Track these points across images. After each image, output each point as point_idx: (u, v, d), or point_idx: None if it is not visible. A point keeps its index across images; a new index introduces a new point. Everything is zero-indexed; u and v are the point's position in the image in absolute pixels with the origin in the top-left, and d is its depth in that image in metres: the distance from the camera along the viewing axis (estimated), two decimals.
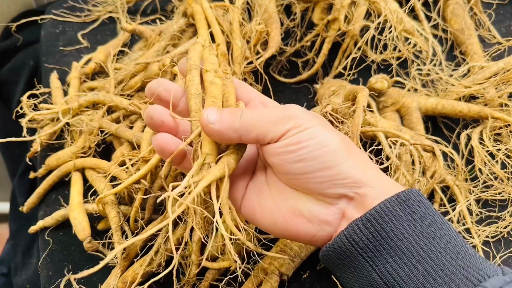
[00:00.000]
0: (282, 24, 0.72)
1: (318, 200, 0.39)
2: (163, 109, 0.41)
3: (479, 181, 0.58)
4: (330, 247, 0.38)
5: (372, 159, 0.49)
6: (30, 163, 0.62)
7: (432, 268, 0.35)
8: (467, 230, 0.55)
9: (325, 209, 0.38)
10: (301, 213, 0.39)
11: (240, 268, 0.50)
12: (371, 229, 0.36)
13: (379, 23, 0.65)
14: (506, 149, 0.60)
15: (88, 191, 0.57)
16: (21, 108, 0.63)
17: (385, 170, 0.52)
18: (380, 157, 0.53)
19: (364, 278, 0.37)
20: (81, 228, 0.53)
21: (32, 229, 0.58)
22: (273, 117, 0.37)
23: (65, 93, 0.68)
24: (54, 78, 0.70)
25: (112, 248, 0.53)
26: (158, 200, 0.34)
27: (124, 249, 0.51)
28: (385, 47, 0.68)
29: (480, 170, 0.59)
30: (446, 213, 0.56)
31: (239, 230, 0.37)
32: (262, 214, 0.40)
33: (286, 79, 0.72)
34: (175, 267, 0.34)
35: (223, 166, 0.36)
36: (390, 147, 0.54)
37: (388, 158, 0.53)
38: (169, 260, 0.51)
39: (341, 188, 0.38)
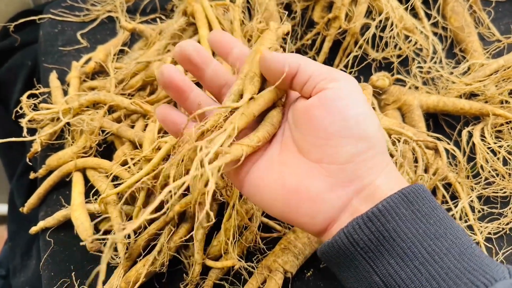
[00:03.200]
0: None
1: (330, 176, 0.36)
2: (177, 70, 0.40)
3: (481, 178, 0.58)
4: (329, 245, 0.37)
5: None
6: (30, 164, 0.62)
7: (436, 271, 0.33)
8: (470, 227, 0.55)
9: (332, 190, 0.36)
10: (307, 189, 0.37)
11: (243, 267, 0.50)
12: (373, 229, 0.34)
13: (380, 21, 0.65)
14: (507, 146, 0.60)
15: (89, 191, 0.57)
16: (21, 108, 0.62)
17: None
18: None
19: (364, 279, 0.35)
20: (83, 228, 0.53)
21: (33, 229, 0.58)
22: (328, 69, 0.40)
23: (65, 93, 0.68)
24: (53, 77, 0.69)
25: (115, 248, 0.52)
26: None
27: (127, 248, 0.51)
28: (385, 45, 0.68)
29: (481, 167, 0.59)
30: (448, 210, 0.56)
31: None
32: (264, 190, 0.38)
33: None
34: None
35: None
36: (394, 144, 0.54)
37: (391, 155, 0.53)
38: (172, 260, 0.51)
39: (365, 170, 0.36)
